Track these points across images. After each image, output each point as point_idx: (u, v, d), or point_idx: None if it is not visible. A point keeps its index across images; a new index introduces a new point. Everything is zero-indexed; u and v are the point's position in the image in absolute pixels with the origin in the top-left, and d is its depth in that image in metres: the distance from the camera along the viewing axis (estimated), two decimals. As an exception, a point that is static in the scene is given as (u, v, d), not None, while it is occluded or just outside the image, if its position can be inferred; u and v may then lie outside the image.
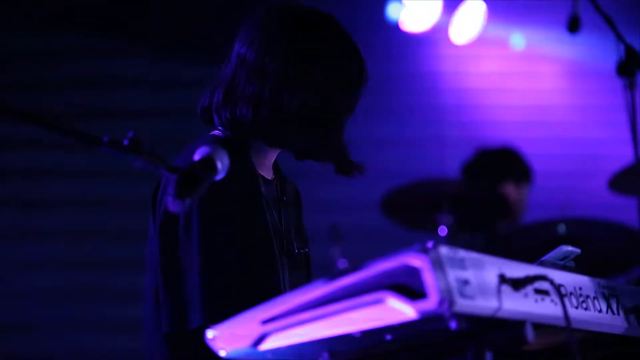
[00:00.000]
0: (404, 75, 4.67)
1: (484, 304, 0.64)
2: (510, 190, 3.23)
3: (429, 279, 0.60)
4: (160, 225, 1.14)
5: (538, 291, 0.72)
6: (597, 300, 0.84)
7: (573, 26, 2.13)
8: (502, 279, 0.67)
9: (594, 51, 3.68)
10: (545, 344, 0.83)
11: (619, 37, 1.90)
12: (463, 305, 0.62)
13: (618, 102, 2.17)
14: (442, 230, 2.94)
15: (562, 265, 0.94)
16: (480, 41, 3.92)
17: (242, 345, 0.77)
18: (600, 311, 0.84)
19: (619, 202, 3.04)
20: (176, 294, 1.09)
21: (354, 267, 0.68)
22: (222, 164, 0.87)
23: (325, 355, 0.76)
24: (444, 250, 0.63)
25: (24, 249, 3.52)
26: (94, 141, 0.79)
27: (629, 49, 1.90)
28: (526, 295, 0.70)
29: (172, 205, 0.82)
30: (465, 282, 0.63)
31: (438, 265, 0.61)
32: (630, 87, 1.91)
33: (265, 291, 1.03)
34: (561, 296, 0.73)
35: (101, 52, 4.09)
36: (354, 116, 1.30)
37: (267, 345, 0.76)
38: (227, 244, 1.10)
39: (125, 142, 0.81)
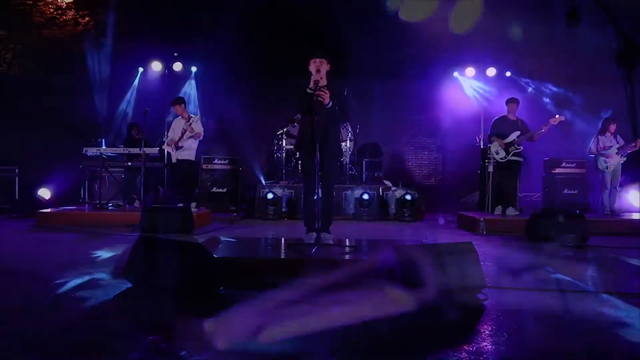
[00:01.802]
0: (402, 71, 4.64)
1: (480, 294, 0.65)
2: None
3: (427, 270, 0.61)
4: None
5: (537, 281, 0.73)
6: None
7: (572, 19, 2.12)
8: (499, 269, 0.67)
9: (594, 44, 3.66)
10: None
11: (619, 30, 1.89)
12: (460, 295, 0.62)
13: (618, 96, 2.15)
14: (440, 222, 2.93)
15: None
16: (477, 33, 3.88)
17: (240, 337, 0.77)
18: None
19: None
20: None
21: (353, 260, 0.68)
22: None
23: (325, 346, 0.77)
24: (441, 244, 0.64)
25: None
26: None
27: (628, 41, 1.89)
28: (524, 284, 0.70)
29: (172, 200, 0.82)
30: (462, 273, 0.63)
31: (435, 257, 0.61)
32: (629, 78, 1.90)
33: None
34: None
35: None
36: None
37: (265, 336, 0.76)
38: None
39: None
